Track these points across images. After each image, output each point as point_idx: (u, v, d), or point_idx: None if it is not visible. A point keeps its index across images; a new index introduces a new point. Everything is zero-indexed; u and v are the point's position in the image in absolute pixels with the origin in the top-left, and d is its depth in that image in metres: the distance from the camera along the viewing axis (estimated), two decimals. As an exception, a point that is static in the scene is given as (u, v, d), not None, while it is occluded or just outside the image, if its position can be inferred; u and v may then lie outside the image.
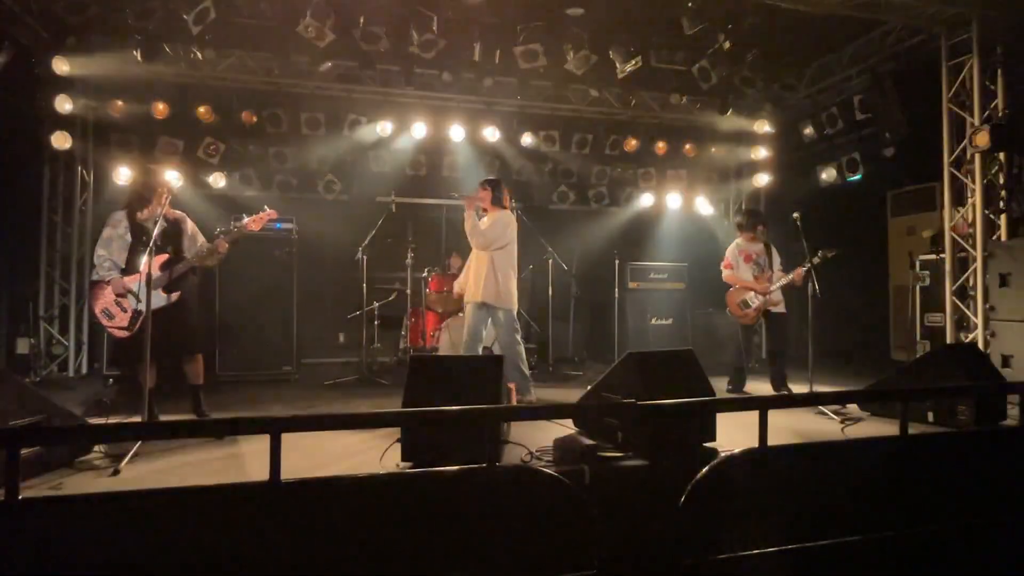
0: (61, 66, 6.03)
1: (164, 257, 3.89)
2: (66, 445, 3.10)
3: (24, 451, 1.79)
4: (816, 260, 5.01)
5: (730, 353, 5.96)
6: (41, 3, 5.66)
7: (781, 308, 5.55)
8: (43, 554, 1.68)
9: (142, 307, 3.76)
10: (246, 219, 4.09)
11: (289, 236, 6.39)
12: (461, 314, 6.18)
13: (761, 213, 5.79)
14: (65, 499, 2.21)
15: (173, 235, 4.00)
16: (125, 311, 3.86)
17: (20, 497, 1.65)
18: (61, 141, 6.29)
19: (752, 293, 5.51)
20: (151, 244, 3.43)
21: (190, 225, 4.12)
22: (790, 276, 5.35)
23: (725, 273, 5.70)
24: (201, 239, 4.10)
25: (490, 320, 4.93)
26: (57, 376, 6.48)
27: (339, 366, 6.88)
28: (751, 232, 5.66)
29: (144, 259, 3.52)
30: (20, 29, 5.74)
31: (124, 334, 3.86)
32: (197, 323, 4.12)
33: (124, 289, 3.81)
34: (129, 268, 3.87)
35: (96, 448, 3.27)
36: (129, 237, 3.90)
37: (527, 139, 7.90)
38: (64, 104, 6.20)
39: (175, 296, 3.89)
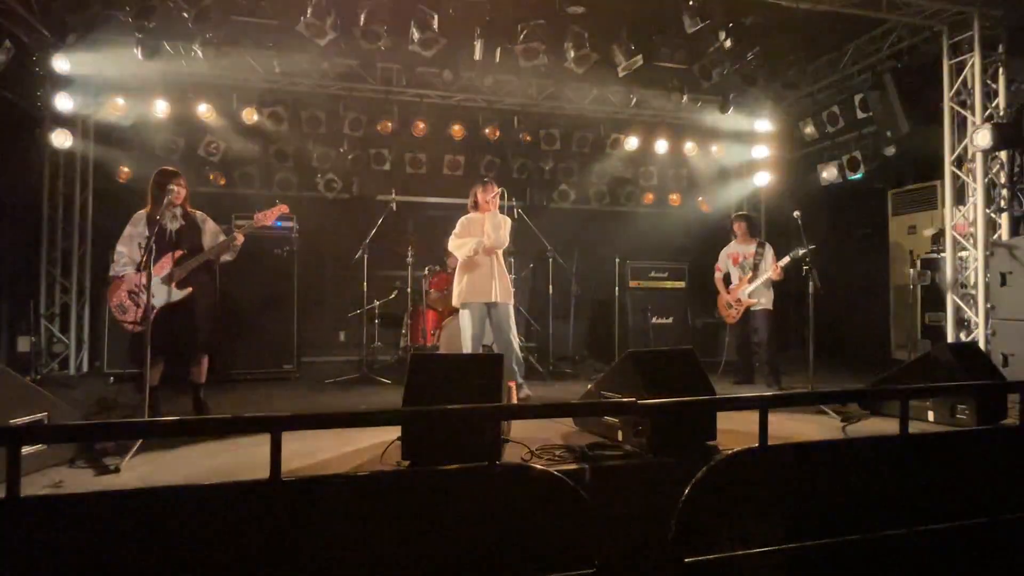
0: (61, 64, 6.03)
1: (178, 253, 4.00)
2: (67, 443, 3.10)
3: (25, 449, 1.79)
4: (788, 260, 5.32)
5: (733, 352, 6.16)
6: (42, 1, 5.66)
7: (761, 305, 5.73)
8: (44, 552, 1.69)
9: (154, 302, 3.89)
10: (258, 214, 4.19)
11: (290, 235, 6.38)
12: (461, 313, 6.18)
13: (745, 215, 6.12)
14: (66, 497, 2.21)
15: (191, 233, 4.10)
16: (138, 306, 3.95)
17: (21, 495, 1.65)
18: (61, 139, 6.29)
19: (728, 297, 5.89)
20: (148, 242, 3.50)
21: (210, 224, 4.22)
22: (763, 278, 5.64)
23: (716, 275, 6.09)
24: (221, 237, 4.20)
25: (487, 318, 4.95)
26: (58, 374, 6.49)
27: (340, 364, 6.89)
28: (737, 234, 5.97)
29: (161, 256, 3.60)
30: (20, 27, 5.73)
31: (137, 328, 3.97)
32: (208, 323, 4.18)
33: (137, 285, 3.91)
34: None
35: (97, 446, 3.27)
36: (147, 235, 3.99)
37: (527, 137, 7.89)
38: (64, 102, 6.20)
39: (187, 292, 3.98)
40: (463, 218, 4.99)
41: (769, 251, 5.77)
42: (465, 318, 4.89)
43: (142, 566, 1.75)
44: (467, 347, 4.87)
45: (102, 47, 6.19)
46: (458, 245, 4.88)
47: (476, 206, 4.96)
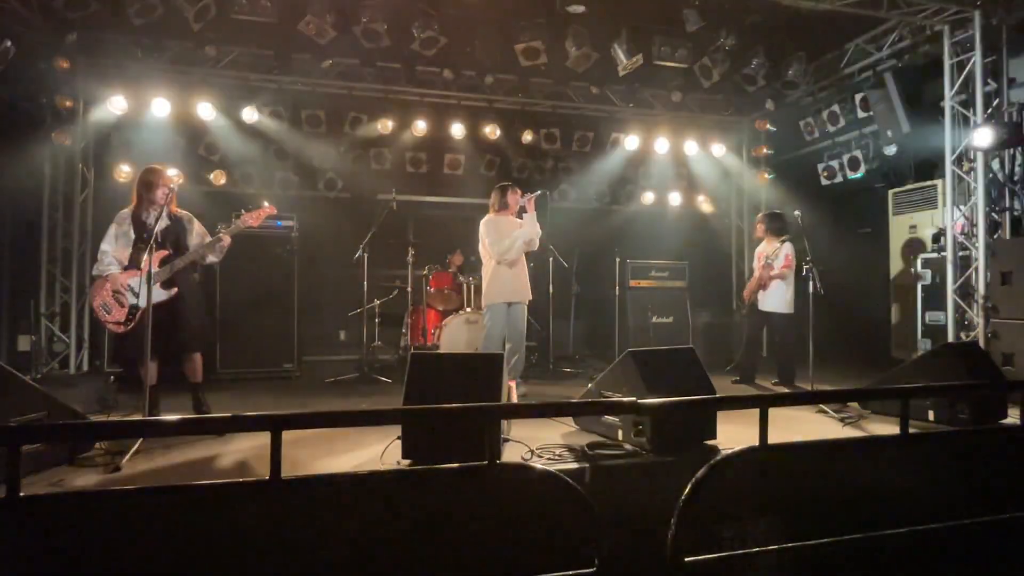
0: (62, 63, 6.02)
1: (164, 253, 3.92)
2: (67, 442, 3.10)
3: (25, 448, 1.80)
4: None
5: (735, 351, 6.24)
6: (42, 0, 5.66)
7: (773, 307, 5.68)
8: (44, 551, 1.69)
9: (139, 302, 3.82)
10: (244, 215, 4.13)
11: (290, 234, 6.38)
12: (462, 312, 6.18)
13: (774, 216, 5.96)
14: (66, 496, 2.22)
15: (176, 233, 4.04)
16: (122, 306, 3.89)
17: (21, 494, 1.65)
18: (62, 138, 6.29)
19: (746, 295, 5.93)
20: (151, 241, 3.47)
21: (196, 225, 4.15)
22: (754, 279, 5.75)
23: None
24: (207, 239, 4.12)
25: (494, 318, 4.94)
26: (58, 373, 6.49)
27: (340, 364, 6.89)
28: (766, 235, 5.88)
29: (144, 256, 3.56)
30: (22, 26, 5.73)
31: (121, 329, 3.91)
32: (196, 322, 4.12)
33: (122, 284, 3.86)
34: (131, 264, 3.92)
35: (97, 445, 3.27)
36: (132, 234, 3.95)
37: (528, 136, 7.89)
38: (65, 101, 6.19)
39: (172, 292, 3.92)
40: (491, 220, 4.94)
41: (782, 251, 5.63)
42: (493, 317, 4.87)
43: (142, 565, 1.76)
44: (493, 347, 4.82)
45: (102, 46, 6.19)
46: (511, 243, 4.85)
47: (504, 207, 4.98)
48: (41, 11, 5.73)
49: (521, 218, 5.06)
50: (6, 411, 2.84)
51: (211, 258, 4.11)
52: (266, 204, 4.26)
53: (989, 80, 5.62)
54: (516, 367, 4.94)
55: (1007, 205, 5.60)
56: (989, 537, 2.44)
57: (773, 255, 5.69)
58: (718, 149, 8.52)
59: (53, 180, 6.70)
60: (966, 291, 5.77)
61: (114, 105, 6.54)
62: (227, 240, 4.02)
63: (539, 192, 5.10)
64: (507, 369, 4.88)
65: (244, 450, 3.38)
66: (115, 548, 1.74)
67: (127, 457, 3.12)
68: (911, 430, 2.47)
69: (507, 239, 4.88)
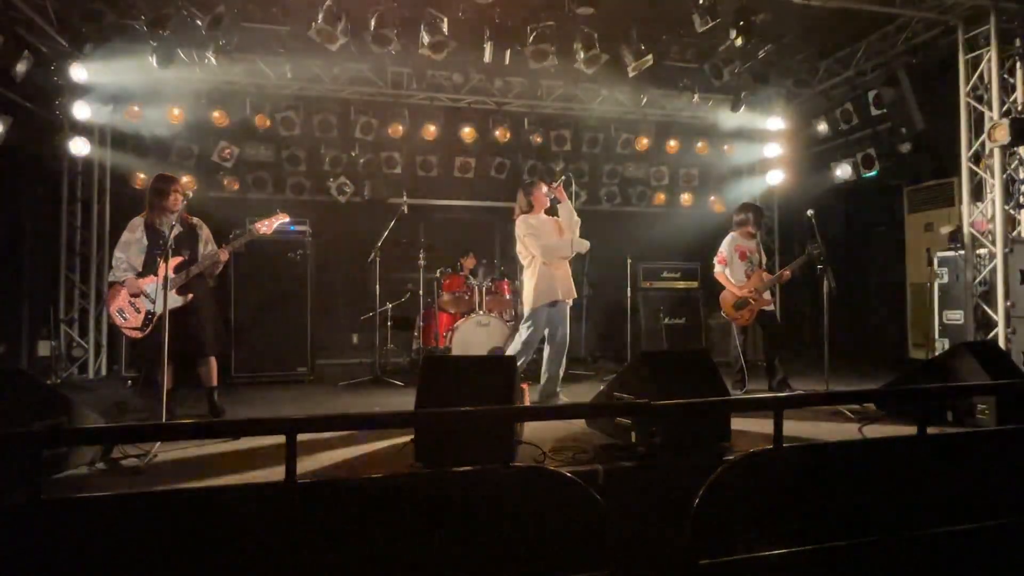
0: (79, 73, 6.13)
1: (179, 260, 3.99)
2: (86, 446, 3.15)
3: (46, 452, 1.83)
4: (805, 259, 5.03)
5: (730, 354, 5.83)
6: (59, 12, 5.77)
7: (772, 306, 5.52)
8: (65, 553, 1.72)
9: (155, 308, 3.87)
10: (256, 223, 4.20)
11: (303, 238, 6.44)
12: (473, 315, 6.19)
13: (760, 209, 5.70)
14: (85, 499, 2.25)
15: (189, 239, 4.10)
16: (139, 312, 3.96)
17: (42, 497, 1.68)
18: (79, 147, 6.40)
19: (746, 293, 5.31)
20: (165, 247, 3.53)
21: (206, 231, 4.22)
22: (778, 275, 5.39)
23: (717, 269, 5.48)
24: (212, 246, 4.18)
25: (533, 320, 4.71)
26: (77, 378, 6.59)
27: (353, 367, 6.93)
28: (749, 227, 5.51)
29: (159, 262, 3.62)
30: (39, 37, 5.85)
31: (138, 335, 3.97)
32: (211, 326, 4.18)
33: (138, 290, 3.92)
34: (145, 270, 3.98)
35: (116, 449, 3.32)
36: (146, 241, 4.01)
37: (538, 139, 7.90)
38: (82, 110, 6.30)
39: (188, 298, 3.98)
40: (531, 221, 4.70)
41: (761, 251, 5.60)
42: (536, 321, 4.61)
43: (160, 567, 1.78)
44: (528, 352, 4.65)
45: (118, 56, 6.28)
46: (561, 244, 4.70)
47: (530, 208, 4.77)
48: (59, 23, 5.84)
49: (554, 213, 4.86)
50: (28, 415, 2.89)
51: (212, 272, 4.18)
52: (278, 211, 4.33)
53: (1005, 75, 5.55)
54: (559, 374, 4.75)
55: (1025, 202, 5.52)
56: (1010, 539, 2.40)
57: (758, 251, 5.52)
58: (729, 148, 8.46)
59: (71, 188, 6.83)
60: (984, 289, 5.69)
61: (130, 113, 6.65)
62: (225, 257, 4.07)
63: (563, 178, 4.91)
64: (549, 376, 4.68)
65: (259, 453, 3.41)
66: (132, 550, 1.77)
67: (144, 460, 3.16)
68: (929, 431, 2.44)
69: (554, 238, 4.71)
